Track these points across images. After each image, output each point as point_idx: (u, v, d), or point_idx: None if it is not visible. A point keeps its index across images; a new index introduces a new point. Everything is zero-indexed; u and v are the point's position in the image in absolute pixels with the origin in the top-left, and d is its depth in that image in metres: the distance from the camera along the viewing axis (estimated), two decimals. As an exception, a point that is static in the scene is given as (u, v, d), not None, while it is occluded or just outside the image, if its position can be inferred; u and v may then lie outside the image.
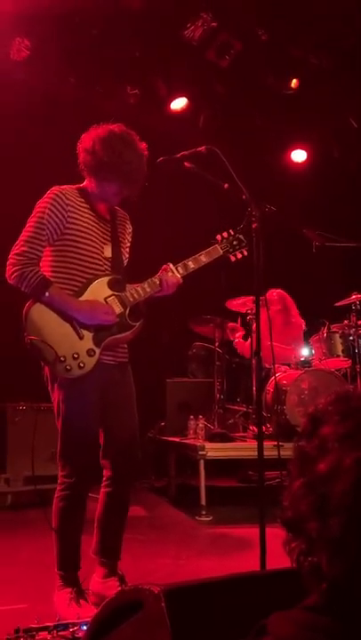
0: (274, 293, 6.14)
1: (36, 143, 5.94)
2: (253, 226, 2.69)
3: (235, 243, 2.90)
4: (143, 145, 2.77)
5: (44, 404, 5.09)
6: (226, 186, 2.75)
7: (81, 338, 2.62)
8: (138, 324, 2.75)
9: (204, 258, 2.86)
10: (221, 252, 2.89)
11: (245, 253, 2.91)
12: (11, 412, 5.15)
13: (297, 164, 7.50)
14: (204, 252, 2.87)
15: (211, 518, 4.62)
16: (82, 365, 2.59)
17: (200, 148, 2.78)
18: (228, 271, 5.15)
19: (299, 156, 7.48)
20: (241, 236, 2.90)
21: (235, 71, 6.20)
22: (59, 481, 2.69)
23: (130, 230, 2.98)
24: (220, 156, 2.72)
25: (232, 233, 2.90)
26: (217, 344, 5.94)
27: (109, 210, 2.88)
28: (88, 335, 2.64)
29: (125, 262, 2.92)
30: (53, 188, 2.73)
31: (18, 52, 5.52)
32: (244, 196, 2.70)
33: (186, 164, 2.83)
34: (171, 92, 6.52)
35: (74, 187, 2.80)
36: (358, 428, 0.93)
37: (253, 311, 5.73)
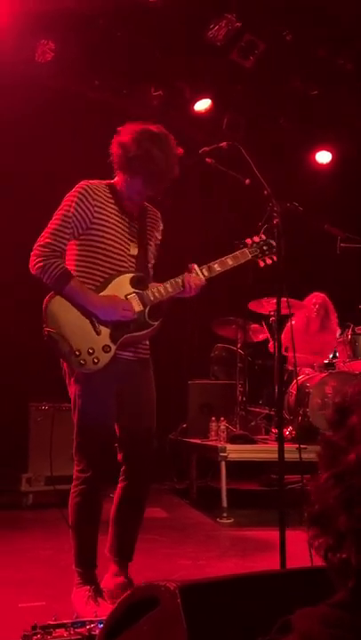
0: (313, 299, 6.08)
1: (60, 144, 5.97)
2: (275, 222, 2.66)
3: (265, 248, 2.86)
4: (178, 150, 2.74)
5: (66, 404, 5.11)
6: (247, 181, 2.73)
7: (98, 333, 2.63)
8: (156, 323, 2.74)
9: (230, 261, 2.82)
10: (250, 256, 2.85)
11: (275, 259, 2.86)
12: (34, 411, 5.16)
13: (322, 165, 7.44)
14: (231, 255, 2.84)
15: (232, 520, 4.59)
16: (96, 361, 2.60)
17: (221, 144, 2.76)
18: (252, 272, 5.13)
19: (323, 157, 7.42)
20: (272, 242, 2.84)
21: (259, 72, 6.17)
22: (74, 476, 2.71)
23: (161, 229, 2.96)
24: (242, 151, 2.70)
25: (263, 237, 2.85)
26: (239, 345, 5.90)
27: (139, 207, 2.86)
28: (105, 331, 2.64)
29: (154, 261, 2.91)
30: (82, 183, 2.74)
31: (42, 55, 5.56)
32: (265, 192, 2.67)
33: (207, 159, 2.82)
34: (194, 94, 6.52)
35: (103, 182, 2.81)
36: None
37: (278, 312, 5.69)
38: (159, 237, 2.95)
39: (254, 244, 2.86)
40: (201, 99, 6.55)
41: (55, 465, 4.88)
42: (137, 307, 2.69)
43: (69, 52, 5.74)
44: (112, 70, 6.14)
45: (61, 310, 2.63)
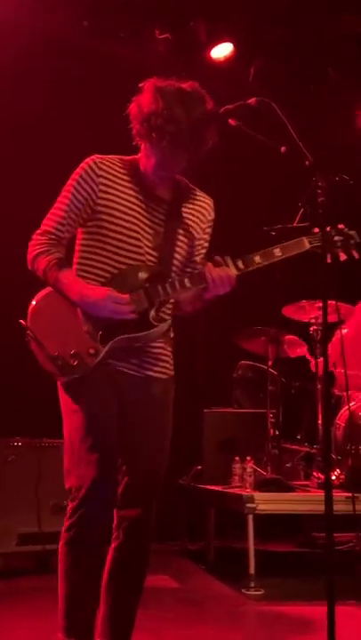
0: None
1: (39, 104, 6.00)
2: (319, 200, 2.65)
3: (337, 238, 2.83)
4: (215, 111, 2.73)
5: (48, 439, 5.11)
6: (283, 149, 2.73)
7: (85, 333, 2.68)
8: (160, 324, 2.74)
9: (279, 251, 2.80)
10: (308, 245, 2.82)
11: (356, 255, 2.83)
12: (2, 448, 5.16)
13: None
14: (281, 244, 2.81)
15: (262, 592, 4.56)
16: (75, 363, 2.64)
17: (249, 101, 2.76)
18: (284, 268, 5.12)
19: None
20: (352, 232, 2.83)
21: (296, 6, 6.18)
22: (68, 510, 2.71)
23: (209, 218, 2.97)
24: (277, 110, 2.70)
25: (341, 227, 2.84)
26: (270, 363, 5.89)
27: (172, 188, 2.88)
28: (95, 331, 2.68)
29: (199, 257, 2.92)
30: (91, 157, 2.82)
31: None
32: (307, 162, 2.67)
33: (231, 121, 2.81)
34: (212, 36, 6.53)
35: (122, 157, 2.86)
36: None
37: (319, 320, 5.68)
38: (207, 230, 2.96)
39: (321, 233, 2.82)
40: (220, 43, 6.57)
41: (32, 519, 4.91)
42: (139, 303, 2.70)
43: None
44: (105, 8, 6.17)
45: (49, 308, 2.74)
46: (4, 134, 5.79)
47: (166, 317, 2.80)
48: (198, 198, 2.96)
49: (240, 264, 2.77)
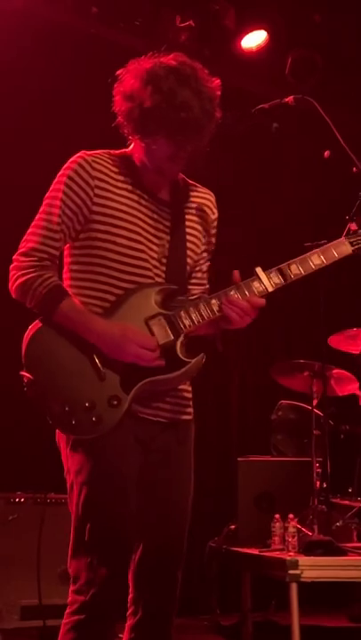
0: None
1: (45, 98, 6.10)
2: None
3: None
4: (213, 82, 2.72)
5: (53, 494, 5.10)
6: (326, 153, 2.75)
7: (102, 379, 2.62)
8: (193, 361, 2.70)
9: (317, 259, 2.80)
10: (351, 248, 2.82)
11: None
12: (1, 505, 5.16)
13: None
14: (318, 249, 2.82)
15: None
16: (96, 420, 2.57)
17: (287, 99, 2.79)
18: (330, 292, 5.12)
19: None
20: None
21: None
22: (69, 600, 2.66)
23: (213, 218, 2.98)
24: (318, 109, 2.72)
25: None
26: (315, 402, 5.86)
27: (172, 186, 2.89)
28: (114, 376, 2.64)
29: (205, 265, 2.95)
30: (78, 154, 2.78)
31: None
32: (355, 169, 2.68)
33: (265, 122, 2.84)
34: (242, 24, 6.60)
35: (110, 152, 2.85)
36: None
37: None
38: (212, 232, 2.97)
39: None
40: (252, 30, 6.63)
41: (37, 588, 4.89)
42: (162, 337, 2.68)
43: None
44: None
45: (49, 347, 2.66)
46: (4, 133, 5.89)
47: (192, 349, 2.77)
48: (199, 195, 2.97)
49: (275, 277, 2.75)
